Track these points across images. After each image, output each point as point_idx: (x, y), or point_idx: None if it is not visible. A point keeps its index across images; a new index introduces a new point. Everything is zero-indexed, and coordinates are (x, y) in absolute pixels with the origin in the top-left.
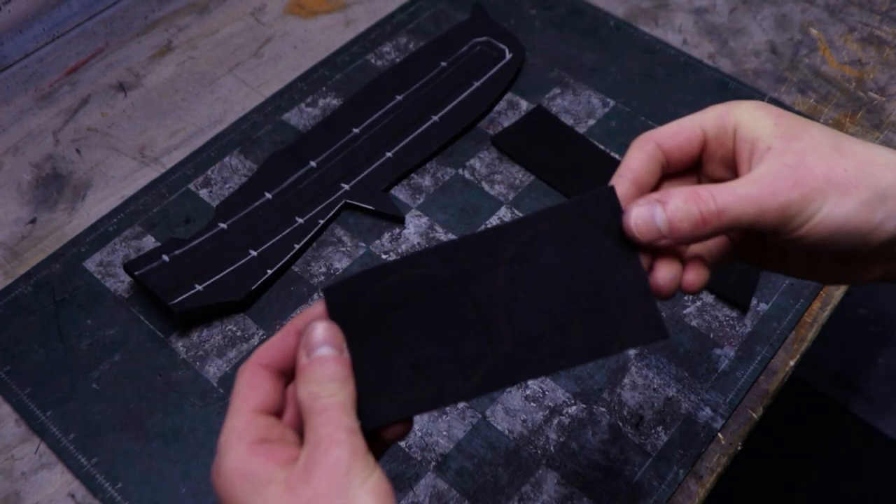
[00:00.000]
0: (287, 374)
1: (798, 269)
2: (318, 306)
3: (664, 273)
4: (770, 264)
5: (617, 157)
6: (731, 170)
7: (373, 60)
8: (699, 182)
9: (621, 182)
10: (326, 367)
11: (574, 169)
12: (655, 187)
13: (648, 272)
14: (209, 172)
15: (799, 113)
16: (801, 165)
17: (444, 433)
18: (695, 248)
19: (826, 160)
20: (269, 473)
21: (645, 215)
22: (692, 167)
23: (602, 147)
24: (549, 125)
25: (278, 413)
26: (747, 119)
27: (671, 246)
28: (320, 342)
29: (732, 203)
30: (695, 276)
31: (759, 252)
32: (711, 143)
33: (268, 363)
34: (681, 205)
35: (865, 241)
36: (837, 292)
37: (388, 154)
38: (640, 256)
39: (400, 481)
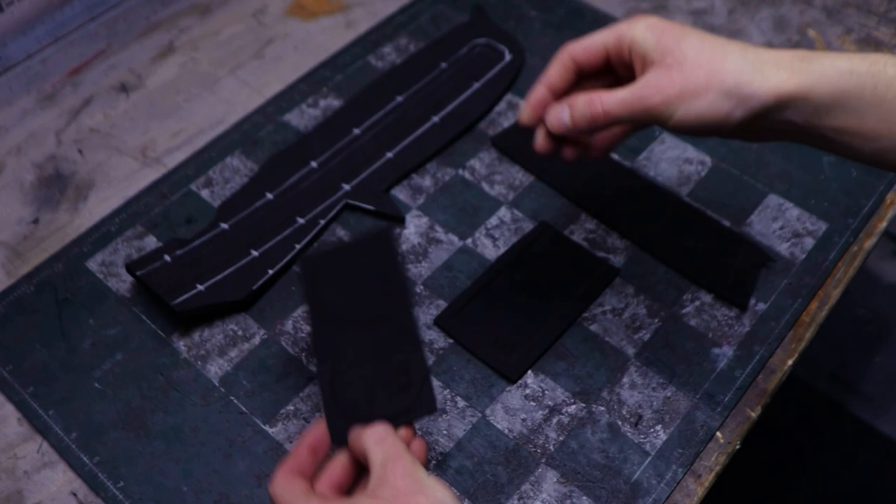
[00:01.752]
0: (306, 474)
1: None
2: (319, 427)
3: (571, 152)
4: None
5: (616, 157)
6: (632, 75)
7: (373, 62)
8: (615, 79)
9: (539, 88)
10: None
11: (573, 169)
12: (577, 85)
13: (565, 153)
14: (211, 173)
15: None
16: (664, 77)
17: (444, 432)
18: (602, 139)
19: (685, 73)
20: (348, 500)
21: (556, 115)
22: (606, 69)
23: None
24: None
25: None
26: (639, 38)
27: (576, 135)
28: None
29: (613, 106)
30: (595, 152)
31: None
32: (613, 56)
33: (290, 471)
34: (579, 107)
35: (722, 126)
36: (835, 292)
37: (389, 154)
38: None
39: None
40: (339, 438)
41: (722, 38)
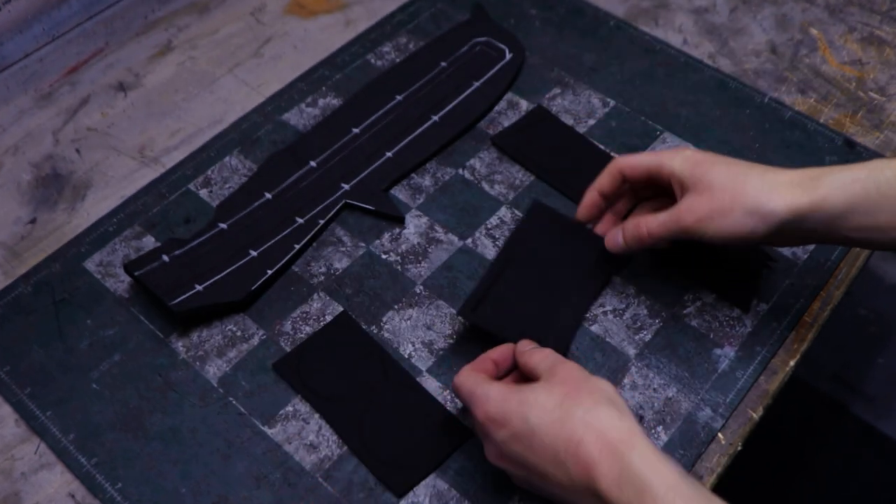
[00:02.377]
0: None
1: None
2: (507, 348)
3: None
4: None
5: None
6: (674, 195)
7: (373, 60)
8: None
9: (591, 192)
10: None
11: (574, 168)
12: (630, 198)
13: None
14: (209, 172)
15: (799, 113)
16: (696, 202)
17: None
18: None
19: (713, 197)
20: (526, 384)
21: (613, 238)
22: (647, 185)
23: (602, 147)
24: (549, 125)
25: None
26: (676, 169)
27: (629, 252)
28: (528, 343)
29: (655, 228)
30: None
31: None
32: (653, 178)
33: (475, 368)
34: (629, 231)
35: (751, 238)
36: (837, 292)
37: (388, 154)
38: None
39: None
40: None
41: (745, 162)
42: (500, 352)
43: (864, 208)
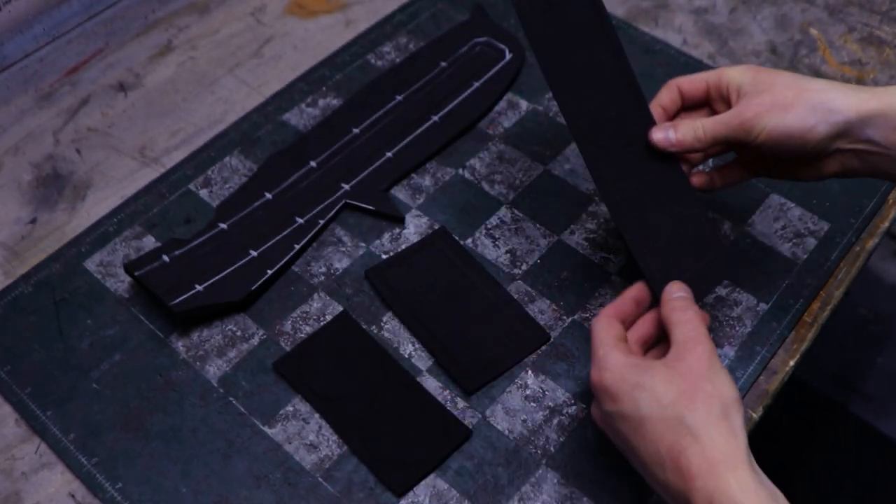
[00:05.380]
0: (625, 322)
1: (787, 170)
2: (638, 285)
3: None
4: (772, 172)
5: None
6: (728, 107)
7: (373, 60)
8: (709, 113)
9: (654, 106)
10: (684, 299)
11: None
12: (676, 115)
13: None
14: (209, 172)
15: None
16: (757, 98)
17: None
18: (715, 166)
19: (775, 93)
20: (648, 361)
21: (662, 132)
22: (703, 104)
23: None
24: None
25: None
26: (736, 75)
27: (681, 151)
28: (677, 289)
29: (712, 125)
30: (697, 179)
31: (758, 166)
32: (712, 90)
33: (613, 315)
34: (683, 126)
35: (806, 140)
36: (837, 292)
37: (389, 154)
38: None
39: None
40: (656, 288)
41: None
42: (639, 289)
43: None
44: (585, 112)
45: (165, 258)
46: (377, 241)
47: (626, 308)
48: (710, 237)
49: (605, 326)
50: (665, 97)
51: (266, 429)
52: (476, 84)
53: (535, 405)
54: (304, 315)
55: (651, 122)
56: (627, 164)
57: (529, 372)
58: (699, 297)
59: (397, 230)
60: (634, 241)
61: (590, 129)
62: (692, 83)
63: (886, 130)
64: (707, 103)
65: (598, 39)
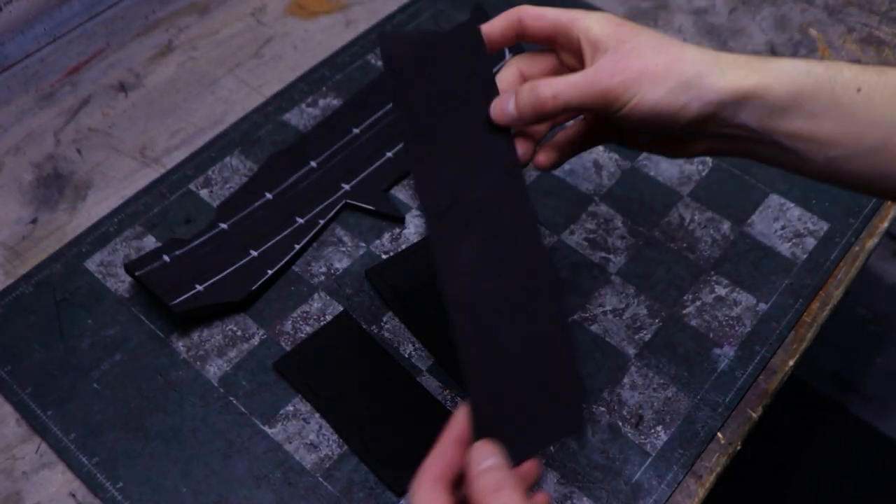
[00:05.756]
0: (453, 481)
1: (645, 144)
2: (460, 418)
3: (519, 149)
4: (625, 142)
5: (616, 157)
6: (581, 63)
7: (373, 61)
8: (555, 63)
9: (507, 67)
10: (494, 473)
11: None
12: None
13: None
14: (210, 173)
15: None
16: (622, 61)
17: None
18: (558, 137)
19: (644, 58)
20: None
21: (501, 104)
22: (548, 49)
23: (602, 147)
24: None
25: None
26: (594, 27)
27: (523, 125)
28: (485, 456)
29: (564, 89)
30: (545, 156)
31: (609, 134)
32: (560, 37)
33: (438, 476)
34: (524, 93)
35: (676, 119)
36: (836, 292)
37: (389, 154)
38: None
39: None
40: (478, 427)
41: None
42: (459, 425)
43: (810, 109)
44: (446, 189)
45: (166, 258)
46: (377, 241)
47: (448, 457)
48: (569, 372)
49: (427, 499)
50: (497, 28)
51: (266, 429)
52: None
53: None
54: (305, 315)
55: (533, 223)
56: (488, 260)
57: None
58: (526, 455)
59: (397, 230)
60: (469, 358)
61: (447, 209)
62: (538, 19)
63: (761, 115)
64: (552, 50)
65: (475, 105)
